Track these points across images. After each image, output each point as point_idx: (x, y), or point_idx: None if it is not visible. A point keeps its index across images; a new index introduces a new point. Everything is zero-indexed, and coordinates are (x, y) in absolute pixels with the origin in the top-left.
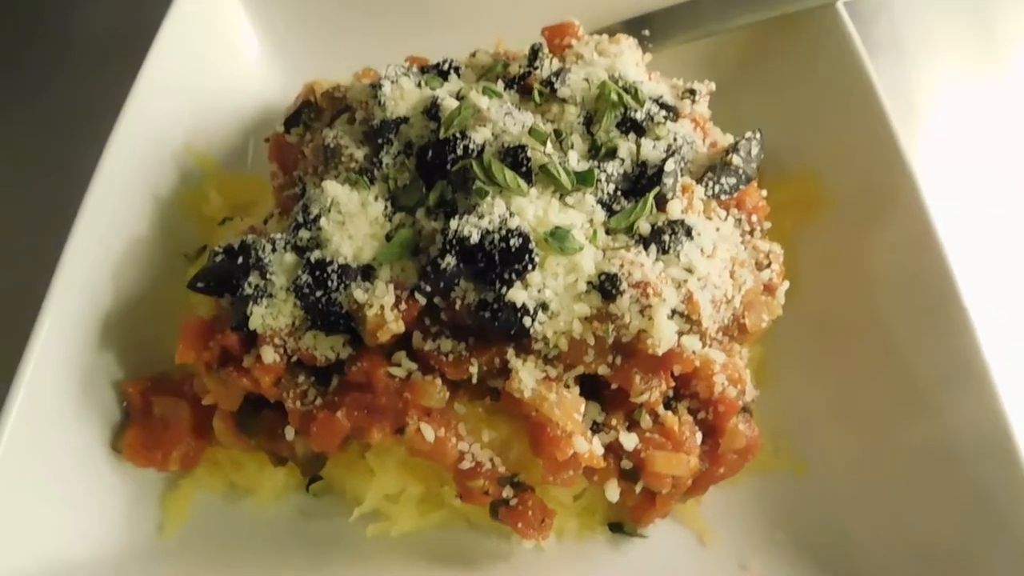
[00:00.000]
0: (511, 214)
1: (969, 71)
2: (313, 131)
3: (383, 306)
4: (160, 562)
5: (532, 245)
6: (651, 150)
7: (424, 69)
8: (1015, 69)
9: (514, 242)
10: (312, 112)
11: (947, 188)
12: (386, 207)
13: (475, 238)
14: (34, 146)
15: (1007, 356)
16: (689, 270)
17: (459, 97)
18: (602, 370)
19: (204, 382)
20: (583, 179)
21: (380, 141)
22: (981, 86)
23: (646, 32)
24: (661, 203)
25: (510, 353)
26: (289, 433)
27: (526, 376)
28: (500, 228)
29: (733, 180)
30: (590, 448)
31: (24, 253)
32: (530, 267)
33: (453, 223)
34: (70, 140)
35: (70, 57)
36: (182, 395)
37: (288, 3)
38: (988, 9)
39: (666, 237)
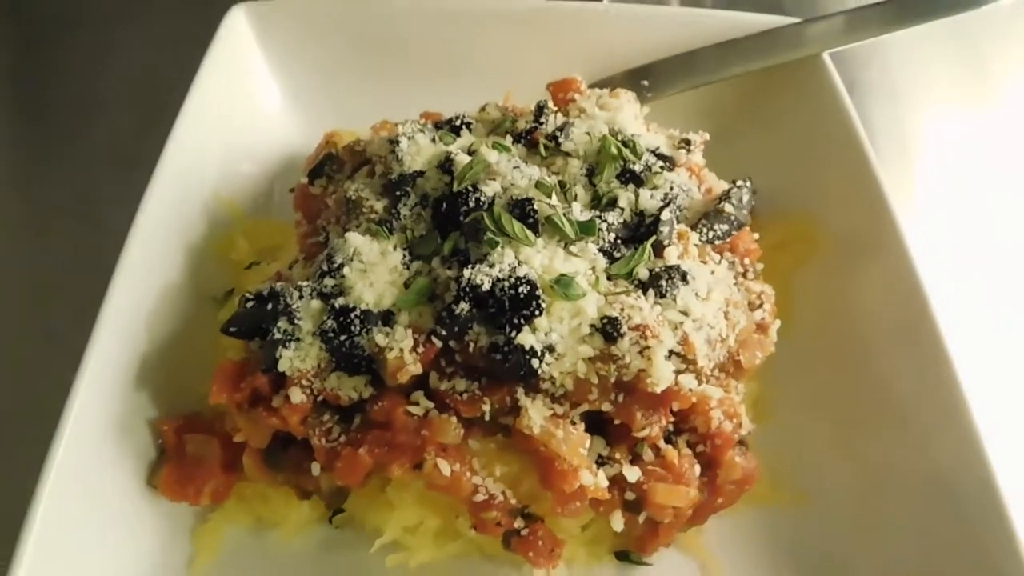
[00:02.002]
0: (519, 263)
1: (960, 109)
2: (335, 182)
3: (403, 349)
4: None
5: (539, 292)
6: (648, 200)
7: (438, 125)
8: (1005, 106)
9: (522, 289)
10: (334, 165)
11: (939, 224)
12: (404, 256)
13: (486, 286)
14: (64, 192)
15: (986, 388)
16: (685, 312)
17: (471, 152)
18: (605, 407)
19: (235, 421)
20: (586, 229)
21: (398, 193)
22: (972, 123)
23: (645, 82)
24: (658, 250)
25: (520, 392)
26: (315, 468)
27: (535, 414)
28: (509, 276)
29: (726, 226)
30: (595, 481)
31: (57, 297)
32: (537, 312)
33: (466, 272)
34: (99, 186)
35: (95, 106)
36: (213, 433)
37: (307, 61)
38: (977, 48)
39: (663, 282)
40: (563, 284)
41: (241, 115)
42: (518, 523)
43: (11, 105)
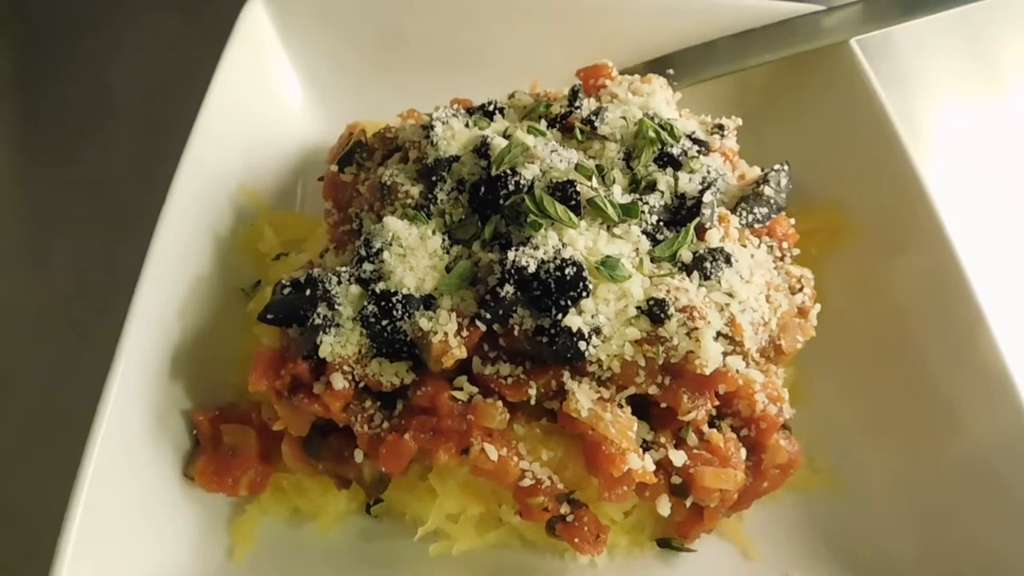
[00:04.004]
0: (564, 245)
1: (971, 100)
2: (365, 170)
3: (447, 333)
4: None
5: (586, 273)
6: (688, 183)
7: (471, 110)
8: (1016, 96)
9: (569, 271)
10: (364, 152)
11: (953, 213)
12: (444, 240)
13: (532, 268)
14: (85, 191)
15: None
16: (730, 294)
17: (506, 136)
18: (652, 390)
19: (275, 409)
20: (628, 211)
21: (434, 178)
22: (983, 114)
23: (671, 71)
24: (700, 232)
25: (566, 376)
26: (358, 456)
27: (582, 397)
28: (555, 258)
29: (765, 209)
30: (643, 464)
31: (82, 294)
32: (585, 294)
33: (511, 254)
34: (119, 183)
35: (108, 106)
36: (249, 423)
37: (327, 52)
38: (987, 39)
39: (707, 264)
40: (609, 266)
41: (262, 107)
42: (564, 509)
43: (25, 108)
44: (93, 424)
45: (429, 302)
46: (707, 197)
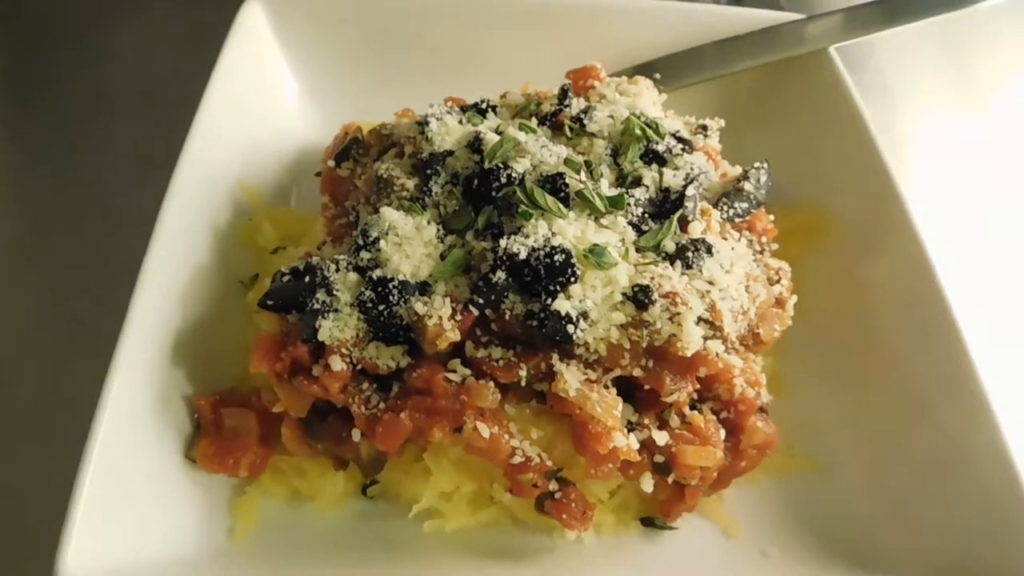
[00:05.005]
0: (553, 234)
1: (947, 111)
2: (362, 165)
3: (441, 317)
4: (236, 564)
5: (574, 260)
6: (672, 178)
7: (464, 108)
8: (991, 109)
9: (558, 258)
10: (360, 148)
11: (926, 215)
12: (438, 230)
13: (523, 255)
14: (83, 189)
15: (996, 367)
16: (711, 282)
17: (498, 132)
18: (637, 372)
19: (275, 391)
20: (615, 203)
21: (429, 172)
22: (958, 124)
23: (657, 76)
24: (683, 224)
25: (555, 358)
26: (356, 435)
27: (570, 378)
28: (545, 246)
29: (745, 204)
30: (627, 443)
31: (82, 288)
32: (573, 279)
33: (503, 242)
34: (117, 181)
35: (105, 107)
36: (249, 407)
37: (324, 54)
38: (964, 53)
39: (689, 254)
40: (596, 253)
41: (259, 107)
42: (552, 486)
43: (22, 107)
44: (98, 408)
45: (424, 288)
46: (690, 191)
